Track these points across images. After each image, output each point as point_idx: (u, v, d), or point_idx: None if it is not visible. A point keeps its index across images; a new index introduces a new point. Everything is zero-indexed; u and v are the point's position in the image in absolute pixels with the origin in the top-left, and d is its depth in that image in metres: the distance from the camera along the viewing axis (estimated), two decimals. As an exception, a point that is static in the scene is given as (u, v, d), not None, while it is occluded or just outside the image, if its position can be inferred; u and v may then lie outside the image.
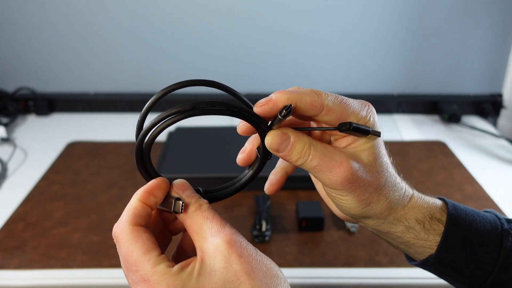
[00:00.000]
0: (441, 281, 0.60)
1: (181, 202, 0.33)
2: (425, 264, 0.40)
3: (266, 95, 1.06)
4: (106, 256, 0.64)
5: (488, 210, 0.43)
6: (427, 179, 0.83)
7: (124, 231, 0.32)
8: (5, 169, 0.87)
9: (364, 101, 0.39)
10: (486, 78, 1.12)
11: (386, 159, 0.38)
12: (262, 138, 0.36)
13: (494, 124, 1.10)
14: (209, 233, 0.32)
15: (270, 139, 0.35)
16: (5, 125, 1.02)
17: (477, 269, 0.38)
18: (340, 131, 0.35)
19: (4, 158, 0.90)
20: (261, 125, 0.35)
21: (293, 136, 0.35)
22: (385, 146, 0.39)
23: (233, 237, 0.31)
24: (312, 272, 0.62)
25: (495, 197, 0.78)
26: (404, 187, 0.39)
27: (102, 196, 0.78)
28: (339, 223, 0.71)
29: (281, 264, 0.63)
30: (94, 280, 0.61)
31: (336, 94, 0.36)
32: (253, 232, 0.67)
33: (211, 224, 0.32)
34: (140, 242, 0.31)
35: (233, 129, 1.03)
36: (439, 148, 0.94)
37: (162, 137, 0.96)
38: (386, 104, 1.12)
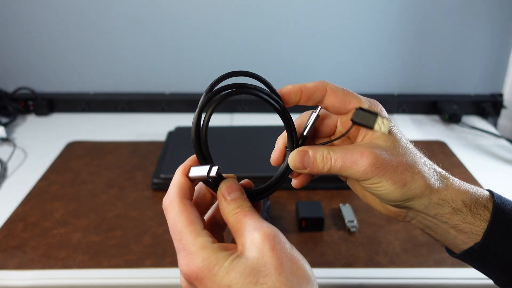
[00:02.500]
0: (441, 281, 0.61)
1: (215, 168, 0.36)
2: (470, 253, 0.39)
3: None
4: (106, 256, 0.64)
5: None
6: (427, 179, 0.83)
7: (172, 203, 0.35)
8: (4, 169, 0.87)
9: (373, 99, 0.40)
10: (486, 78, 1.12)
11: (406, 142, 0.39)
12: (289, 131, 0.40)
13: (495, 124, 1.10)
14: (247, 229, 0.33)
15: (293, 160, 0.38)
16: (5, 125, 1.02)
17: None
18: (354, 123, 0.37)
19: (4, 158, 0.90)
20: (289, 121, 0.39)
21: (310, 150, 0.38)
22: (402, 133, 0.40)
23: (269, 231, 0.33)
24: (312, 272, 0.62)
25: (495, 197, 0.78)
26: (437, 168, 0.39)
27: (102, 196, 0.78)
28: (339, 223, 0.71)
29: (281, 264, 0.62)
30: (94, 280, 0.61)
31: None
32: (253, 232, 0.67)
33: (250, 221, 0.34)
34: (185, 214, 0.34)
35: (232, 129, 1.03)
36: (439, 148, 0.94)
37: (161, 136, 0.96)
38: (386, 104, 1.12)
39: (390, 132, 0.37)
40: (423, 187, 0.37)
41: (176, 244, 0.33)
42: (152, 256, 0.64)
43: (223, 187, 0.36)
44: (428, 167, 0.38)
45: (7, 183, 0.83)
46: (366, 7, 1.05)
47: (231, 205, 0.35)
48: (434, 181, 0.38)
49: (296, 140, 0.39)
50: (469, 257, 0.40)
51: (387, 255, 0.64)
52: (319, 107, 0.39)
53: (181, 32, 1.08)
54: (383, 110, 0.40)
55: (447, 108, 1.08)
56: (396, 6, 1.04)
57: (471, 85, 1.12)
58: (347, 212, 0.72)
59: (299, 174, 0.40)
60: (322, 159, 0.37)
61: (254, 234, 0.32)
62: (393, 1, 1.04)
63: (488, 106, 1.10)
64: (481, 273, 0.41)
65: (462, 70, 1.11)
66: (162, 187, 0.79)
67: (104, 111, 1.13)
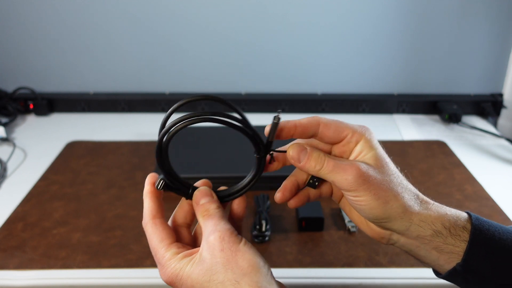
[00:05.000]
0: (441, 281, 0.61)
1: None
2: (453, 274, 0.41)
3: (266, 95, 1.09)
4: (106, 256, 0.64)
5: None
6: (427, 179, 0.83)
7: (146, 226, 0.42)
8: (4, 169, 0.87)
9: (360, 125, 0.43)
10: (487, 77, 1.12)
11: (393, 167, 0.42)
12: (253, 140, 0.42)
13: (495, 124, 1.10)
14: (206, 232, 0.40)
15: (291, 150, 0.41)
16: (5, 125, 1.02)
17: (503, 276, 0.40)
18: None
19: (4, 158, 0.90)
20: (258, 139, 0.41)
21: (309, 147, 0.41)
22: (389, 159, 0.43)
23: (220, 233, 0.38)
24: (312, 272, 0.62)
25: (495, 197, 0.78)
26: (418, 193, 0.42)
27: (102, 196, 0.78)
28: (339, 223, 0.71)
29: (281, 264, 0.62)
30: (93, 280, 0.61)
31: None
32: (253, 232, 0.67)
33: (209, 224, 0.40)
34: (157, 233, 0.41)
35: (232, 129, 1.03)
36: (439, 148, 0.94)
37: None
38: (386, 104, 1.12)
39: (378, 156, 0.41)
40: (404, 207, 0.40)
41: (154, 259, 0.42)
42: (152, 256, 0.64)
43: (195, 195, 0.43)
44: (411, 191, 0.41)
45: (7, 183, 0.83)
46: (366, 7, 1.05)
47: (199, 210, 0.42)
48: (415, 204, 0.41)
49: (263, 145, 0.41)
50: (453, 277, 0.41)
51: (387, 255, 0.64)
52: (278, 116, 0.40)
53: (181, 32, 1.08)
54: (373, 136, 0.42)
55: (447, 108, 1.08)
56: (396, 6, 1.04)
57: (471, 85, 1.12)
58: (347, 212, 0.71)
59: (273, 168, 0.45)
60: (317, 158, 0.40)
61: (209, 237, 0.39)
62: (393, 1, 1.04)
63: (488, 106, 1.10)
64: None
65: (462, 70, 1.11)
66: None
67: (104, 111, 1.13)
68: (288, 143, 0.43)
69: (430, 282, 0.61)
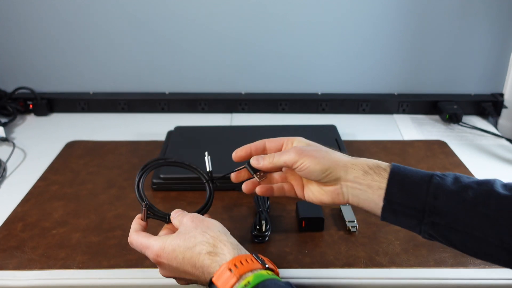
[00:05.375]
0: (442, 282, 0.61)
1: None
2: (386, 210, 0.51)
3: (266, 95, 1.10)
4: (106, 256, 0.64)
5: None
6: (427, 179, 0.83)
7: (130, 237, 0.57)
8: (4, 169, 0.87)
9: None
10: (487, 77, 1.12)
11: (320, 146, 0.58)
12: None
13: (495, 124, 1.10)
14: (182, 221, 0.57)
15: (251, 161, 0.60)
16: (4, 125, 1.02)
17: (415, 201, 0.50)
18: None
19: (3, 158, 0.90)
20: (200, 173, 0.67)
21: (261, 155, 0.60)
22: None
23: (191, 216, 0.56)
24: (312, 272, 0.62)
25: (496, 197, 0.78)
26: (349, 157, 0.56)
27: (102, 196, 0.78)
28: (339, 223, 0.71)
29: (281, 264, 0.62)
30: (93, 280, 0.61)
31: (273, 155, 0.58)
32: (253, 232, 0.67)
33: (184, 218, 0.56)
34: (140, 236, 0.56)
35: (232, 129, 1.03)
36: (440, 148, 0.94)
37: (161, 136, 0.96)
38: (387, 104, 1.12)
39: (308, 142, 0.59)
40: (337, 158, 0.55)
41: (151, 256, 0.54)
42: (152, 256, 0.64)
43: (172, 216, 0.59)
44: (340, 153, 0.56)
45: (6, 183, 0.83)
46: (366, 7, 1.05)
47: (176, 220, 0.58)
48: (345, 157, 0.55)
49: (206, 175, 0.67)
50: (386, 214, 0.52)
51: (387, 255, 0.64)
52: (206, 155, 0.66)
53: (181, 32, 1.08)
54: (303, 139, 0.60)
55: (447, 108, 1.07)
56: (396, 6, 1.04)
57: (471, 85, 1.12)
58: (347, 212, 0.71)
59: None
60: (268, 157, 0.58)
61: (183, 220, 0.55)
62: (393, 1, 1.04)
63: (488, 106, 1.09)
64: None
65: (462, 70, 1.11)
66: (162, 187, 0.79)
67: (104, 111, 1.13)
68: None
69: (430, 282, 0.61)
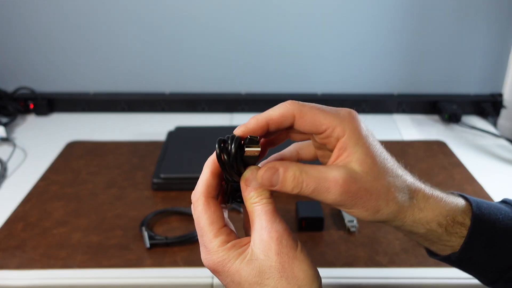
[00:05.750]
0: (441, 281, 0.61)
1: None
2: (447, 260, 0.41)
3: (266, 95, 1.09)
4: (106, 256, 0.64)
5: (505, 199, 0.43)
6: (427, 179, 0.82)
7: (198, 201, 0.37)
8: (4, 169, 0.87)
9: (347, 110, 0.38)
10: (486, 77, 1.12)
11: (384, 163, 0.37)
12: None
13: (494, 124, 1.10)
14: (258, 226, 0.35)
15: (260, 177, 0.36)
16: (5, 124, 1.02)
17: (500, 263, 0.39)
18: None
19: (4, 158, 0.90)
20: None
21: (281, 167, 0.35)
22: (381, 146, 0.39)
23: (277, 234, 0.35)
24: (312, 272, 0.62)
25: (495, 197, 0.78)
26: (415, 187, 0.39)
27: (102, 196, 0.78)
28: (339, 223, 0.71)
29: (281, 264, 0.62)
30: (94, 280, 0.61)
31: (316, 104, 0.37)
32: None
33: (263, 218, 0.35)
34: (208, 213, 0.36)
35: (232, 129, 1.03)
36: (439, 148, 0.94)
37: (161, 136, 0.96)
38: (386, 104, 1.12)
39: (365, 157, 0.36)
40: (396, 213, 0.37)
41: (199, 239, 0.37)
42: (152, 256, 0.64)
43: (246, 174, 0.37)
44: (405, 189, 0.38)
45: (7, 183, 0.83)
46: (366, 7, 1.05)
47: (250, 194, 0.36)
48: (409, 205, 0.38)
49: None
50: (447, 261, 0.41)
51: (387, 255, 0.64)
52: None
53: (181, 32, 1.08)
54: (357, 127, 0.38)
55: (447, 108, 1.08)
56: (396, 6, 1.04)
57: (470, 85, 1.13)
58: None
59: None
60: (293, 179, 0.35)
61: (263, 235, 0.35)
62: (393, 1, 1.04)
63: (488, 106, 1.10)
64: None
65: (462, 70, 1.11)
66: (162, 187, 0.79)
67: (104, 111, 1.13)
68: None
69: (430, 282, 0.61)
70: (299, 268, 0.34)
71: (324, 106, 0.37)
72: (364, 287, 0.61)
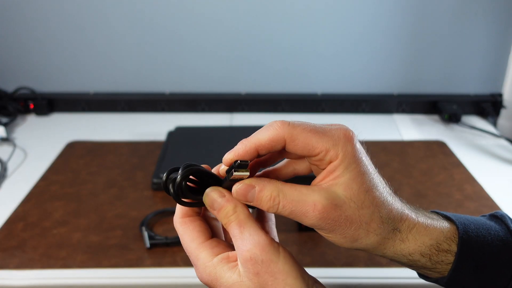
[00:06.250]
0: (441, 281, 0.61)
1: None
2: (436, 282, 0.40)
3: (266, 95, 1.09)
4: (106, 256, 0.64)
5: (496, 213, 0.41)
6: (427, 179, 0.83)
7: (176, 223, 0.38)
8: (4, 169, 0.87)
9: (343, 130, 0.35)
10: (486, 77, 1.12)
11: (372, 191, 0.35)
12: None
13: (494, 124, 1.10)
14: (235, 246, 0.35)
15: (235, 191, 0.35)
16: (5, 124, 1.02)
17: (490, 286, 0.38)
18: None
19: (4, 158, 0.90)
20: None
21: (258, 185, 0.35)
22: (375, 171, 0.37)
23: (250, 253, 0.33)
24: (312, 272, 0.61)
25: (495, 197, 0.78)
26: (401, 216, 0.37)
27: (102, 196, 0.78)
28: (339, 223, 0.71)
29: (281, 264, 0.62)
30: (94, 280, 0.61)
31: (308, 124, 0.35)
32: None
33: (235, 238, 0.35)
34: (187, 233, 0.37)
35: (232, 129, 1.03)
36: (439, 148, 0.94)
37: (161, 136, 0.96)
38: (386, 104, 1.12)
39: (351, 183, 0.34)
40: (375, 244, 0.36)
41: (189, 258, 0.37)
42: (152, 256, 0.64)
43: (205, 200, 0.36)
44: (388, 222, 0.36)
45: (7, 183, 0.83)
46: (366, 7, 1.05)
47: (218, 217, 0.36)
48: (390, 237, 0.36)
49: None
50: (437, 283, 0.40)
51: (387, 255, 0.64)
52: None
53: (181, 32, 1.08)
54: (350, 150, 0.35)
55: (447, 108, 1.08)
56: (396, 6, 1.04)
57: (470, 85, 1.13)
58: (347, 212, 0.72)
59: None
60: (269, 199, 0.34)
61: (239, 255, 0.34)
62: (393, 1, 1.04)
63: (487, 106, 1.10)
64: None
65: (462, 70, 1.11)
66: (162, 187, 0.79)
67: (104, 111, 1.13)
68: None
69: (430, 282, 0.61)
70: (284, 283, 0.33)
71: (317, 125, 0.35)
72: (364, 287, 0.61)
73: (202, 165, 0.37)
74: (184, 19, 1.07)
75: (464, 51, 1.09)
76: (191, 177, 0.36)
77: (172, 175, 0.36)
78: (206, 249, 0.36)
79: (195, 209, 0.38)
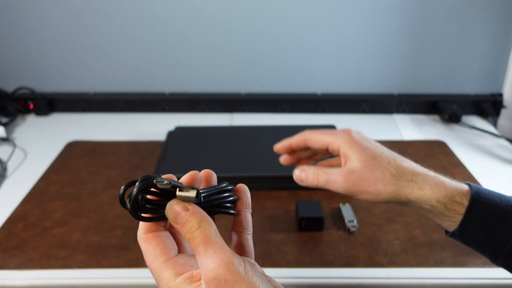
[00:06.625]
0: (441, 281, 0.61)
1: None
2: (454, 236, 0.48)
3: (266, 95, 1.10)
4: (106, 256, 0.64)
5: None
6: (427, 179, 0.83)
7: (139, 239, 0.37)
8: (4, 169, 0.87)
9: (343, 129, 0.53)
10: (486, 77, 1.12)
11: (379, 157, 0.49)
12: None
13: (494, 124, 1.10)
14: (203, 261, 0.32)
15: (294, 173, 0.54)
16: (5, 124, 1.02)
17: (495, 241, 0.45)
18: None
19: (4, 158, 0.90)
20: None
21: (306, 168, 0.54)
22: (379, 145, 0.51)
23: (213, 272, 0.32)
24: (312, 272, 0.62)
25: (495, 197, 0.78)
26: (415, 171, 0.48)
27: (102, 196, 0.78)
28: (339, 223, 0.71)
29: (281, 264, 0.63)
30: (94, 280, 0.61)
31: (322, 130, 0.54)
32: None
33: (198, 254, 0.33)
34: (150, 250, 0.36)
35: (232, 129, 1.03)
36: (439, 148, 0.94)
37: (161, 136, 0.96)
38: (386, 104, 1.12)
39: (361, 156, 0.49)
40: (396, 192, 0.48)
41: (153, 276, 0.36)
42: (152, 256, 0.64)
43: (167, 214, 0.35)
44: (404, 172, 0.48)
45: (7, 183, 0.83)
46: (366, 7, 1.05)
47: (184, 227, 0.34)
48: (408, 185, 0.48)
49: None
50: (454, 238, 0.48)
51: (387, 255, 0.64)
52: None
53: (181, 32, 1.08)
54: (353, 137, 0.51)
55: (447, 108, 1.08)
56: (396, 6, 1.04)
57: (471, 85, 1.13)
58: (347, 212, 0.72)
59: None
60: (313, 175, 0.51)
61: (203, 275, 0.32)
62: (393, 1, 1.04)
63: (488, 106, 1.10)
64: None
65: (462, 70, 1.11)
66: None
67: (104, 111, 1.13)
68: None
69: (430, 282, 0.61)
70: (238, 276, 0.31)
71: (328, 130, 0.54)
72: (364, 287, 0.61)
73: (165, 176, 0.35)
74: (184, 19, 1.07)
75: (464, 51, 1.09)
76: (153, 189, 0.34)
77: (131, 189, 0.33)
78: (169, 268, 0.34)
79: (160, 222, 0.36)
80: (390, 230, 0.69)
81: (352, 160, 0.49)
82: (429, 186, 0.47)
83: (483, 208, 0.46)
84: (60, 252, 0.65)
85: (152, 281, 0.61)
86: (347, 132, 0.51)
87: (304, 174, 0.52)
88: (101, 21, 1.07)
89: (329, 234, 0.69)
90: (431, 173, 0.48)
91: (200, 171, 0.39)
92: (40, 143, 0.97)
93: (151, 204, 0.34)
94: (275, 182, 0.78)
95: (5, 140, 0.97)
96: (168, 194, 0.35)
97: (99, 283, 0.61)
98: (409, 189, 0.47)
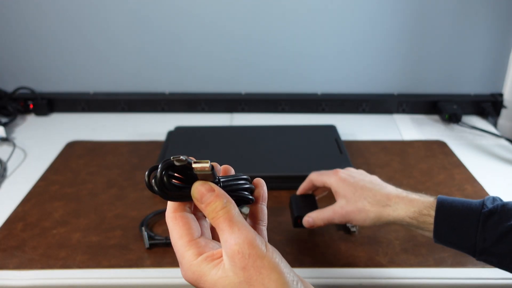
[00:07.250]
0: (441, 281, 0.61)
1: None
2: (436, 243, 0.56)
3: (266, 95, 1.11)
4: (106, 256, 0.64)
5: (496, 197, 0.55)
6: (427, 179, 0.83)
7: (167, 218, 0.38)
8: (4, 169, 0.87)
9: (332, 170, 0.66)
10: (486, 77, 1.12)
11: (361, 190, 0.60)
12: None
13: (495, 124, 1.10)
14: (222, 240, 0.35)
15: (304, 220, 0.65)
16: (5, 124, 1.02)
17: (466, 242, 0.53)
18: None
19: (4, 158, 0.90)
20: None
21: (311, 216, 0.65)
22: (361, 176, 0.64)
23: (238, 247, 0.34)
24: (312, 272, 0.62)
25: (495, 197, 0.78)
26: (391, 196, 0.58)
27: (102, 196, 0.78)
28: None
29: (281, 264, 0.62)
30: (93, 280, 0.61)
31: (322, 171, 0.67)
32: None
33: (223, 230, 0.35)
34: (176, 229, 0.37)
35: (232, 129, 1.03)
36: (439, 148, 0.94)
37: (161, 136, 0.96)
38: (386, 104, 1.12)
39: (342, 193, 0.62)
40: (378, 217, 0.58)
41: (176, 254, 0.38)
42: (152, 256, 0.64)
43: (193, 193, 0.37)
44: (377, 201, 0.59)
45: (6, 183, 0.83)
46: (366, 7, 1.05)
47: (205, 212, 0.37)
48: (383, 210, 0.58)
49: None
50: (439, 243, 0.55)
51: (387, 255, 0.64)
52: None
53: (181, 32, 1.08)
54: (334, 181, 0.63)
55: (447, 108, 1.08)
56: (396, 6, 1.04)
57: (471, 85, 1.12)
58: (347, 212, 0.71)
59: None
60: (316, 218, 0.63)
61: (226, 248, 0.35)
62: (393, 1, 1.04)
63: (488, 106, 1.10)
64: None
65: (462, 70, 1.11)
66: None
67: (104, 111, 1.13)
68: None
69: (430, 282, 0.61)
70: (269, 278, 0.34)
71: (326, 171, 0.66)
72: (364, 287, 0.61)
73: (190, 157, 0.36)
74: (184, 19, 1.07)
75: (465, 51, 1.09)
76: (176, 174, 0.36)
77: (154, 173, 0.35)
78: (192, 248, 0.36)
79: (186, 205, 0.38)
80: (390, 230, 0.69)
81: (340, 196, 0.61)
82: (400, 206, 0.57)
83: (448, 214, 0.53)
84: (60, 252, 0.65)
85: (151, 281, 0.61)
86: (336, 173, 0.63)
87: (311, 220, 0.63)
88: (101, 21, 1.07)
89: (329, 234, 0.69)
90: (403, 193, 0.58)
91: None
92: (40, 143, 0.97)
93: (176, 186, 0.36)
94: (275, 182, 0.78)
95: (5, 140, 0.97)
96: (190, 177, 0.37)
97: (99, 283, 0.61)
98: (386, 213, 0.57)
